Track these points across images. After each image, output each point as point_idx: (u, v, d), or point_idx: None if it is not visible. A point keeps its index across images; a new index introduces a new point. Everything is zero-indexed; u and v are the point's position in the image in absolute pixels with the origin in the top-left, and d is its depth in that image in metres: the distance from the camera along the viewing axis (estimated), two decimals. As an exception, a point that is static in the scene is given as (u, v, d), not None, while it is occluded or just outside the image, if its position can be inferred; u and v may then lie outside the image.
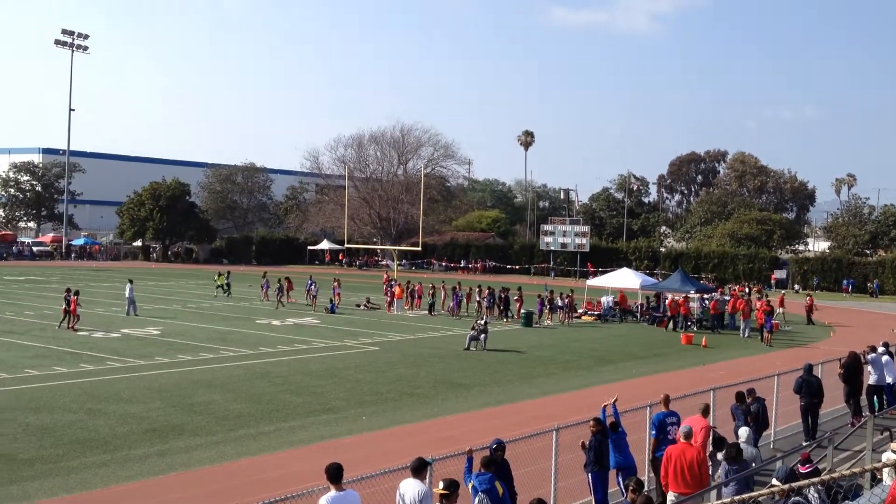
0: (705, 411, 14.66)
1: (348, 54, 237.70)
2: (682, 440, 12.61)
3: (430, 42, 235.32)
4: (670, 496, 12.47)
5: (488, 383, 25.06)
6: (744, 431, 14.28)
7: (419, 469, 9.96)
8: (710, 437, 14.02)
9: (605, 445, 13.25)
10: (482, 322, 33.22)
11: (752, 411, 16.15)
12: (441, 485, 9.51)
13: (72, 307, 33.37)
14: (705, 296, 44.91)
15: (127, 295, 39.25)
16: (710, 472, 13.14)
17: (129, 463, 15.54)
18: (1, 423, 17.87)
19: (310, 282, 45.91)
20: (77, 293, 34.29)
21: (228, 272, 53.51)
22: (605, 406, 14.00)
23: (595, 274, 65.67)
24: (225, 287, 50.67)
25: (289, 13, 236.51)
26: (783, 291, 57.18)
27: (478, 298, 44.17)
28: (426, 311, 44.54)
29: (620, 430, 13.55)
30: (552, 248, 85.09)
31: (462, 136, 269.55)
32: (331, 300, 44.47)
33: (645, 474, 14.30)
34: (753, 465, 13.35)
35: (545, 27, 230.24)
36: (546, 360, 30.05)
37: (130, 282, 40.27)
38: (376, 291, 51.33)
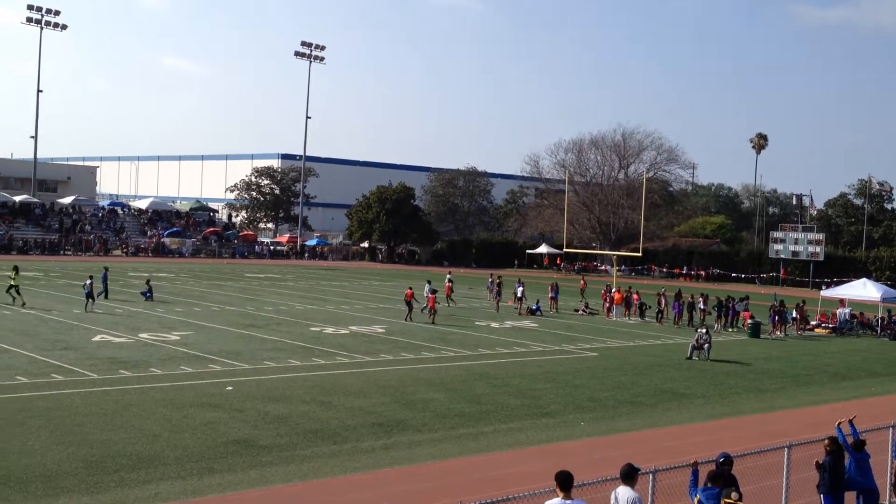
0: None
1: (571, 58, 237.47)
2: None
3: (656, 44, 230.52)
4: None
5: (712, 395, 24.20)
6: None
7: (629, 475, 9.81)
8: None
9: (841, 466, 12.46)
10: (705, 331, 32.11)
11: None
12: (734, 495, 9.36)
13: (430, 302, 38.04)
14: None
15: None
16: None
17: (357, 454, 16.23)
18: (243, 411, 19.19)
19: (518, 284, 46.22)
20: (434, 291, 39.86)
21: (16, 268, 39.42)
22: (840, 424, 13.15)
23: (829, 284, 61.89)
24: (16, 291, 37.69)
25: (512, 21, 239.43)
26: None
27: (701, 307, 42.75)
28: (647, 319, 43.62)
29: (864, 451, 12.67)
30: (782, 256, 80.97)
31: (686, 140, 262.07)
32: (536, 301, 44.70)
33: (886, 499, 13.31)
34: None
35: (783, 25, 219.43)
36: (775, 374, 28.63)
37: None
38: (594, 297, 50.84)
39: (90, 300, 37.04)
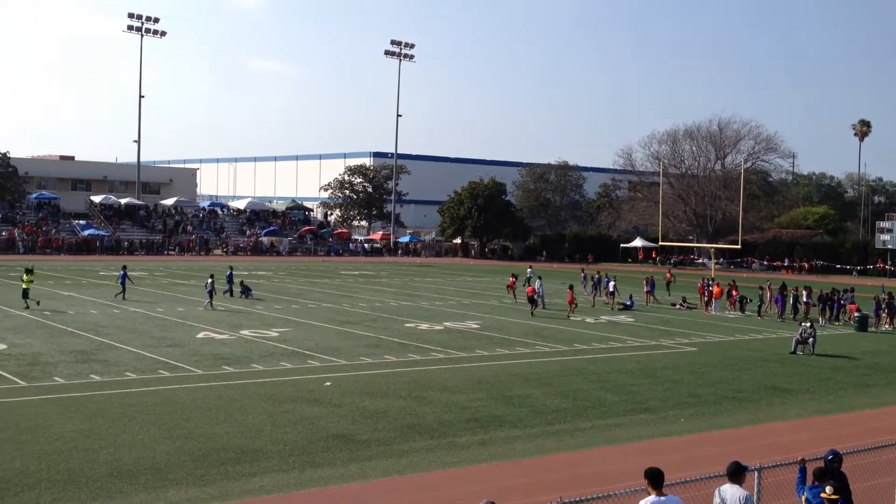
0: None
1: (664, 48, 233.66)
2: None
3: (753, 32, 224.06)
4: None
5: (817, 390, 23.46)
6: None
7: (736, 473, 9.54)
8: None
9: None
10: (809, 325, 31.14)
11: None
12: (829, 489, 9.09)
13: (569, 298, 39.91)
14: None
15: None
16: None
17: (454, 450, 16.28)
18: (342, 406, 19.47)
19: (607, 279, 45.64)
20: (571, 287, 41.74)
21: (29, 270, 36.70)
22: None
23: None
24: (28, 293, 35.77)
25: (602, 13, 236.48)
26: None
27: (805, 299, 41.49)
28: (747, 313, 42.53)
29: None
30: (889, 246, 78.00)
31: (786, 129, 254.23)
32: (630, 296, 44.15)
33: None
34: None
35: (884, 6, 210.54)
36: (884, 368, 27.60)
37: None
38: (691, 290, 49.88)
39: (212, 299, 37.88)
